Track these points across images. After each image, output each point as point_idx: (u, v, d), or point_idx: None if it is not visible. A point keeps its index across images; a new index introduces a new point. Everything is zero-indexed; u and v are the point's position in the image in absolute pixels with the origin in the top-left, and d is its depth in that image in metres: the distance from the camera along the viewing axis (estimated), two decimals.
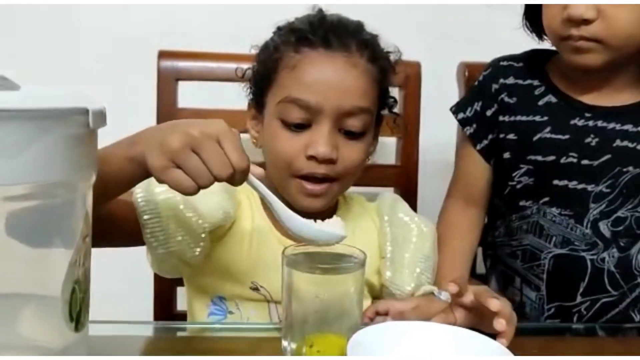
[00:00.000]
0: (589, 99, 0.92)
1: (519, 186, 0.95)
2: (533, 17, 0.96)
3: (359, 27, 0.88)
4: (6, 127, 0.41)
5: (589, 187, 0.90)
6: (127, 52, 1.30)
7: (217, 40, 1.16)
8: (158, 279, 1.08)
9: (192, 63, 1.09)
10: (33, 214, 0.46)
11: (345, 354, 0.59)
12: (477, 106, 1.01)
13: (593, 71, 0.89)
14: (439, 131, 1.17)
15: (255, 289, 0.87)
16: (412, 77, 1.11)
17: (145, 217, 0.81)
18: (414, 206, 1.14)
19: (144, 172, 0.68)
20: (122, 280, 1.24)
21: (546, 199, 0.93)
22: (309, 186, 0.84)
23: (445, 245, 0.99)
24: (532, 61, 0.99)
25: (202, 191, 0.80)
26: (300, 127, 0.83)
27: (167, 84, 1.08)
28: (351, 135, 0.85)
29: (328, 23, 0.86)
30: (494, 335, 0.69)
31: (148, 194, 0.81)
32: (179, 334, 0.82)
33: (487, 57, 1.13)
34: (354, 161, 0.86)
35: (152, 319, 1.10)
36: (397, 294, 0.91)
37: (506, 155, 0.97)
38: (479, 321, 0.75)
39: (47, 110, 0.44)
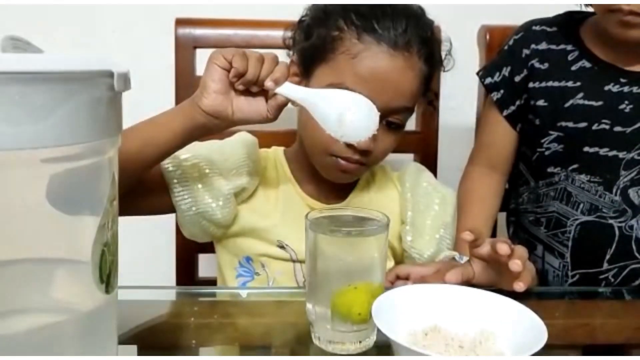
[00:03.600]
0: (625, 63, 0.91)
1: (547, 153, 0.95)
2: None
3: (421, 17, 0.88)
4: (35, 89, 0.41)
5: (621, 154, 0.90)
6: (144, 21, 1.30)
7: (233, 7, 1.15)
8: (180, 247, 1.10)
9: (209, 30, 1.09)
10: (62, 177, 0.46)
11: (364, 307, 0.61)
12: (506, 71, 1.00)
13: (634, 43, 0.88)
14: (459, 97, 1.16)
15: (281, 247, 0.90)
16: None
17: (174, 181, 0.85)
18: (433, 172, 1.14)
19: (195, 114, 0.74)
20: (145, 248, 1.26)
21: (575, 165, 0.93)
22: (343, 162, 0.86)
23: (465, 211, 0.99)
24: (565, 25, 0.98)
25: (227, 150, 0.87)
26: None
27: (184, 51, 1.08)
28: (389, 126, 0.87)
29: (392, 11, 0.85)
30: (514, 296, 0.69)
31: (174, 160, 0.85)
32: (204, 299, 0.83)
33: (508, 20, 1.12)
34: (387, 150, 0.90)
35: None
36: (417, 258, 0.92)
37: (536, 121, 0.96)
38: (498, 278, 0.76)
39: (74, 73, 0.44)
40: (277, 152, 0.98)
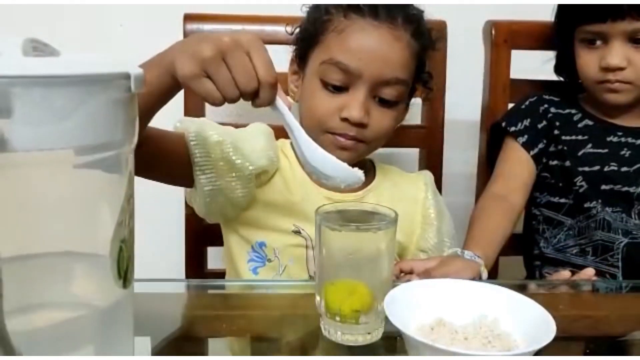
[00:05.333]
0: (618, 121, 1.10)
1: (581, 190, 1.07)
2: (563, 67, 1.14)
3: (407, 3, 0.91)
4: (56, 92, 0.42)
5: (631, 189, 1.05)
6: (152, 16, 1.30)
7: (242, 3, 1.16)
8: (189, 239, 1.11)
9: (218, 26, 1.09)
10: (81, 177, 0.47)
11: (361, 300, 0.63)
12: (527, 122, 1.11)
13: (623, 105, 1.07)
14: (464, 91, 1.17)
15: (297, 231, 0.92)
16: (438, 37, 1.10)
17: (197, 157, 0.86)
18: (439, 167, 1.15)
19: (174, 83, 0.69)
20: (154, 241, 1.27)
21: (600, 200, 1.06)
22: (341, 139, 0.89)
23: (475, 224, 1.03)
24: (567, 94, 1.15)
25: (248, 137, 0.89)
26: (338, 89, 0.87)
27: None
28: (385, 103, 0.89)
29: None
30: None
31: (200, 135, 0.86)
32: (215, 291, 0.84)
33: (513, 15, 1.12)
34: (383, 127, 0.90)
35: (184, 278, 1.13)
36: (422, 253, 0.95)
37: (567, 163, 1.09)
38: None
39: (93, 76, 0.45)
40: (284, 145, 0.99)
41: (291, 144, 0.97)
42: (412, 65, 0.90)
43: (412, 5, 0.92)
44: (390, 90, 0.88)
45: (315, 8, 0.92)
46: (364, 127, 0.88)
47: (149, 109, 0.73)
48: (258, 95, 0.66)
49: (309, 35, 0.91)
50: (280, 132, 0.96)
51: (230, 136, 0.89)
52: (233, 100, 0.67)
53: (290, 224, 0.92)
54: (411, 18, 0.89)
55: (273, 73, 0.66)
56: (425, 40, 0.92)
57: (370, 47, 0.86)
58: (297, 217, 0.92)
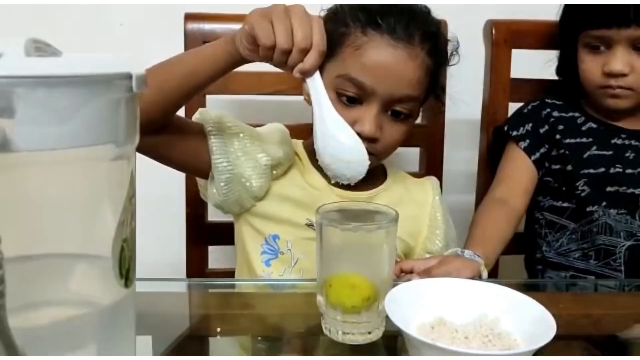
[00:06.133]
0: (621, 124, 1.11)
1: (583, 194, 1.08)
2: (565, 70, 1.14)
3: (426, 15, 0.92)
4: (58, 92, 0.43)
5: (636, 191, 1.06)
6: (152, 16, 1.31)
7: (243, 2, 1.16)
8: (190, 239, 1.11)
9: (219, 25, 1.10)
10: (83, 177, 0.48)
11: (362, 293, 0.63)
12: (529, 127, 1.12)
13: (624, 110, 1.09)
14: (465, 91, 1.17)
15: (310, 224, 0.93)
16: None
17: (215, 147, 0.90)
18: (439, 166, 1.16)
19: (237, 56, 0.81)
20: (155, 240, 1.27)
21: (604, 203, 1.07)
22: None
23: (476, 226, 1.03)
24: (570, 98, 1.15)
25: (265, 131, 0.94)
26: (352, 101, 0.88)
27: (194, 46, 1.09)
28: (397, 116, 0.90)
29: (398, 9, 0.89)
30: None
31: (218, 125, 0.90)
32: (216, 290, 0.85)
33: (513, 15, 1.12)
34: (394, 141, 0.93)
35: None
36: (428, 255, 0.96)
37: (567, 167, 1.09)
38: None
39: (96, 76, 0.45)
40: (297, 145, 1.01)
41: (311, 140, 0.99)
42: (425, 82, 0.91)
43: (430, 18, 0.92)
44: (402, 106, 0.89)
45: (333, 17, 0.91)
46: (375, 141, 0.89)
47: (205, 78, 0.84)
48: (302, 60, 0.77)
49: (327, 45, 0.92)
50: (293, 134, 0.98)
51: (248, 129, 0.93)
52: (283, 51, 0.76)
53: (303, 217, 0.93)
54: (428, 35, 0.89)
55: (325, 44, 0.77)
56: (441, 57, 0.93)
57: (385, 66, 0.86)
58: (310, 211, 0.92)
